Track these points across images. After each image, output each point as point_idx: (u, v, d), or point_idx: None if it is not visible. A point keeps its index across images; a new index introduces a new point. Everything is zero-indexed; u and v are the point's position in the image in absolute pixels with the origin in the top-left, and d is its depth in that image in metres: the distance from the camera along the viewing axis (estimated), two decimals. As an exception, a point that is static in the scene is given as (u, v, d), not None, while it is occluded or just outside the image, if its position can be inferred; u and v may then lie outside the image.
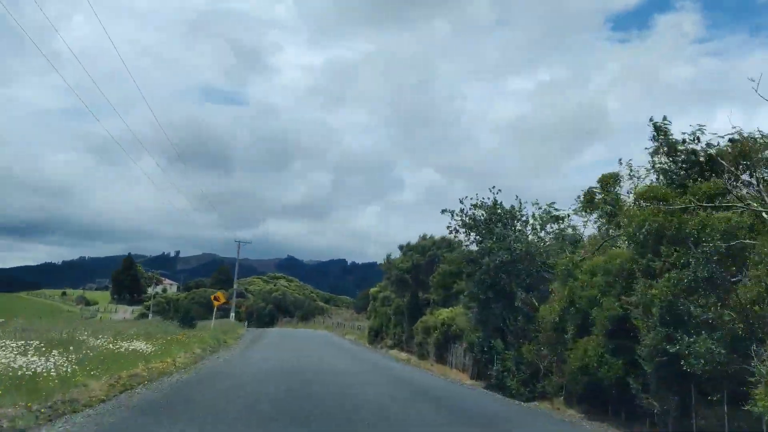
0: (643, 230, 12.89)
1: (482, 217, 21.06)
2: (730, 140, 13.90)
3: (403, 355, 37.29)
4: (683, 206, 12.70)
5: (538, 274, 19.90)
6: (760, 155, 12.96)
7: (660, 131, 15.46)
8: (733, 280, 11.41)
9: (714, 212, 12.30)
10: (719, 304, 11.19)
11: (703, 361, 10.85)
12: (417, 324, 35.11)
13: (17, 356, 13.72)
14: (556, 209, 21.32)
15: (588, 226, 19.84)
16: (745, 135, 13.52)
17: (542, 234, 21.57)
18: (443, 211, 21.83)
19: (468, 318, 22.54)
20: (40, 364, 13.32)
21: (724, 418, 11.19)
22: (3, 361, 13.00)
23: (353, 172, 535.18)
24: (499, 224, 20.36)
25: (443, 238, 39.85)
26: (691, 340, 11.17)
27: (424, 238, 40.43)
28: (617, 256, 15.01)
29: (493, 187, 21.30)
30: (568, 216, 20.69)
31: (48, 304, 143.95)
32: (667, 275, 12.13)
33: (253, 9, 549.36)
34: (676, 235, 12.30)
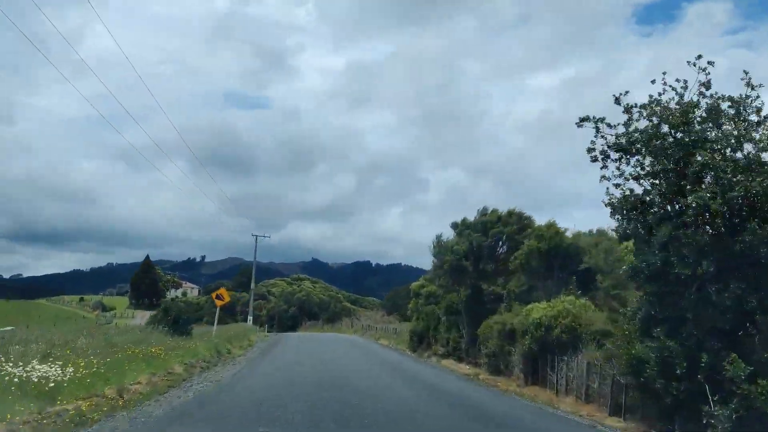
0: None
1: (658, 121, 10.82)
2: None
3: (464, 368, 27.22)
4: None
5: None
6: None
7: None
8: None
9: None
10: None
11: None
12: (485, 325, 25.07)
13: None
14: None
15: None
16: None
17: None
18: (581, 121, 11.75)
19: (627, 314, 12.40)
20: None
21: None
22: None
23: (377, 173, 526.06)
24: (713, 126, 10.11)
25: (511, 213, 29.77)
26: None
27: (484, 212, 30.36)
28: None
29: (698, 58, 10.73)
30: None
31: (64, 311, 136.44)
32: None
33: (274, 13, 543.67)
34: None
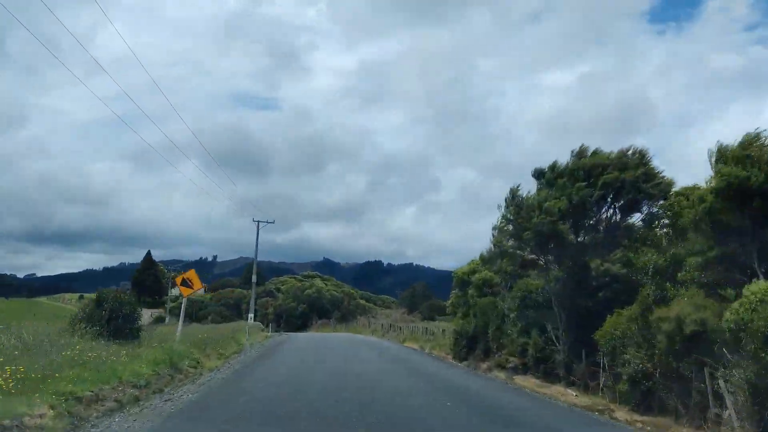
0: None
1: None
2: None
3: (568, 393, 16.38)
4: None
5: None
6: None
7: None
8: None
9: None
10: None
11: None
12: (612, 324, 14.29)
13: None
14: None
15: None
16: None
17: None
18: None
19: None
20: None
21: None
22: None
23: (389, 172, 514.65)
24: None
25: (623, 154, 18.93)
26: None
27: (581, 154, 19.51)
28: None
29: None
30: None
31: (64, 309, 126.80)
32: None
33: (286, 14, 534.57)
34: None
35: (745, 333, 9.94)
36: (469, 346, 26.41)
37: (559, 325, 18.25)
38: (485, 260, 24.59)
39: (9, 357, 11.91)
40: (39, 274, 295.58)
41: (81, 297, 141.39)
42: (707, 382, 11.04)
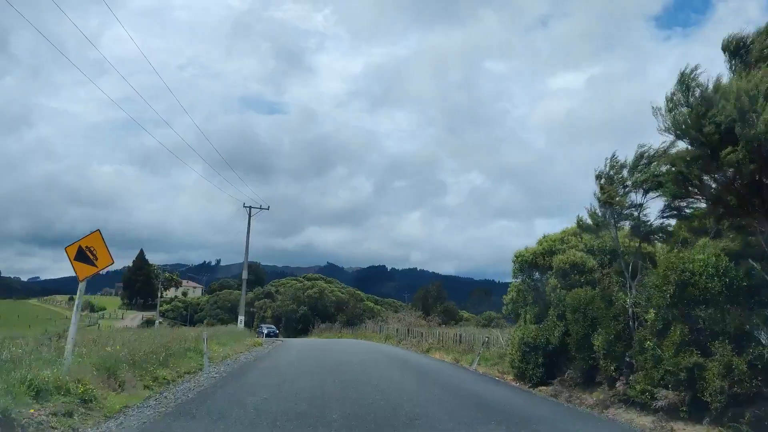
0: None
1: None
2: None
3: None
4: None
5: None
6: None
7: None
8: None
9: None
10: None
11: None
12: None
13: None
14: None
15: None
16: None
17: None
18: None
19: None
20: None
21: None
22: None
23: (395, 176, 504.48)
24: None
25: None
26: None
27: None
28: None
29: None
30: None
31: (50, 311, 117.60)
32: None
33: (294, 18, 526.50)
34: None
35: None
36: (550, 364, 16.81)
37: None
38: (586, 227, 14.96)
39: None
40: (43, 277, 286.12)
41: (71, 299, 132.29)
42: None
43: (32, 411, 8.32)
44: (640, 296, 13.25)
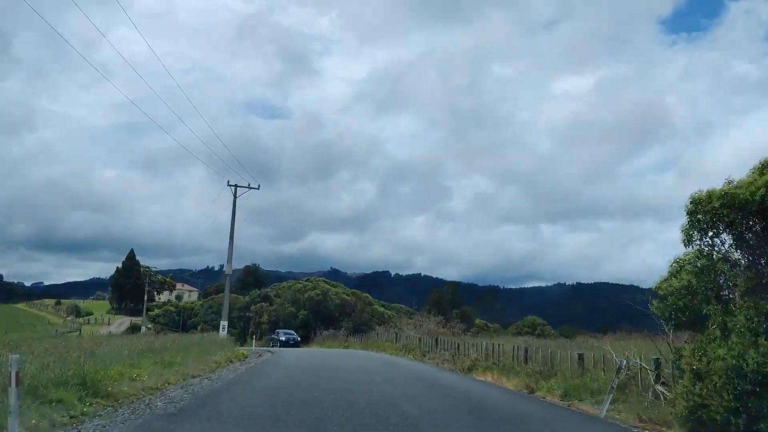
0: None
1: None
2: None
3: None
4: None
5: None
6: None
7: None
8: None
9: None
10: None
11: None
12: None
13: None
14: None
15: None
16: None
17: None
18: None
19: None
20: None
21: None
22: None
23: (399, 181, 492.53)
24: None
25: None
26: None
27: None
28: None
29: None
30: None
31: (35, 316, 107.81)
32: None
33: (298, 23, 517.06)
34: None
35: None
36: None
37: None
38: None
39: None
40: (47, 282, 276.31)
41: (58, 303, 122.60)
42: None
43: None
44: None
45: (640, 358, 12.74)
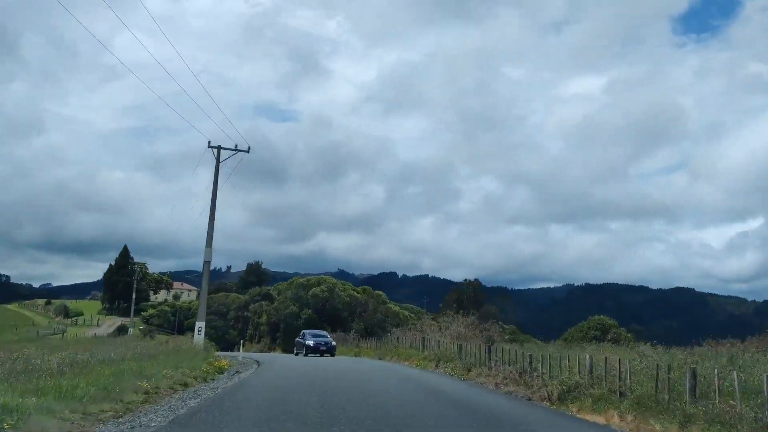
0: None
1: None
2: None
3: None
4: None
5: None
6: None
7: None
8: None
9: None
10: None
11: None
12: None
13: None
14: None
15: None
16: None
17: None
18: None
19: None
20: None
21: None
22: None
23: (407, 182, 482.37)
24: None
25: None
26: None
27: None
28: None
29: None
30: None
31: (21, 316, 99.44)
32: None
33: (306, 25, 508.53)
34: None
35: None
36: None
37: None
38: None
39: None
40: (54, 284, 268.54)
41: (48, 303, 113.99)
42: None
43: None
44: None
45: None
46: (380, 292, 60.69)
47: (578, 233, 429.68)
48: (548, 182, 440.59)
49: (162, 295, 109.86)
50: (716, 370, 11.27)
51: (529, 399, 15.33)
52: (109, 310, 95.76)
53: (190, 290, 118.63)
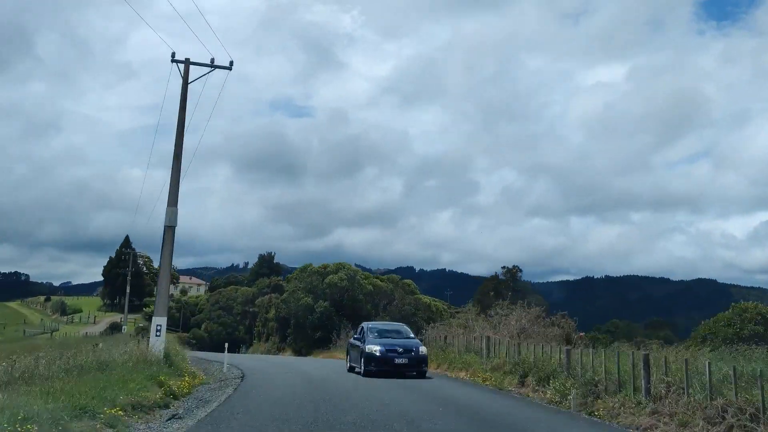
0: None
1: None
2: None
3: None
4: None
5: None
6: None
7: None
8: None
9: None
10: None
11: None
12: None
13: None
14: None
15: None
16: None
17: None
18: None
19: None
20: None
21: None
22: None
23: (425, 176, 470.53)
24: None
25: None
26: None
27: None
28: None
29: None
30: None
31: (17, 314, 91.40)
32: None
33: (322, 20, 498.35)
34: None
35: None
36: None
37: None
38: None
39: None
40: (74, 282, 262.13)
41: (48, 299, 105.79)
42: None
43: None
44: None
45: None
46: (408, 281, 50.81)
47: (599, 225, 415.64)
48: (568, 173, 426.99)
49: (169, 290, 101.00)
50: None
51: None
52: (110, 307, 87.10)
53: (199, 284, 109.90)
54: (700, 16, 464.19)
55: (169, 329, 71.67)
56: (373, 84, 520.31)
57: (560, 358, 15.32)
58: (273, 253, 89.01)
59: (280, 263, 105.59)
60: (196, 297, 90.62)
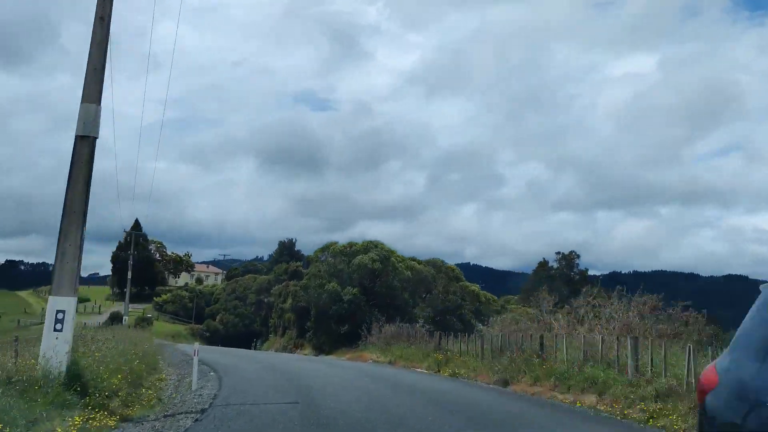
0: None
1: None
2: None
3: None
4: None
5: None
6: None
7: None
8: None
9: None
10: None
11: None
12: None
13: None
14: None
15: None
16: None
17: None
18: None
19: None
20: None
21: None
22: None
23: (449, 168, 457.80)
24: None
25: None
26: None
27: None
28: None
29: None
30: None
31: (21, 302, 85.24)
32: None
33: (345, 11, 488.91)
34: None
35: None
36: None
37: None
38: None
39: None
40: (102, 273, 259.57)
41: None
42: None
43: None
44: None
45: None
46: (453, 266, 41.85)
47: (626, 219, 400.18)
48: (596, 166, 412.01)
49: (184, 278, 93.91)
50: None
51: None
52: (119, 296, 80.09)
53: (216, 273, 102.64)
54: (735, 3, 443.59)
55: (180, 320, 63.50)
56: (397, 76, 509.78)
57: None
58: (294, 240, 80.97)
59: (302, 252, 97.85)
60: (212, 286, 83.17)
